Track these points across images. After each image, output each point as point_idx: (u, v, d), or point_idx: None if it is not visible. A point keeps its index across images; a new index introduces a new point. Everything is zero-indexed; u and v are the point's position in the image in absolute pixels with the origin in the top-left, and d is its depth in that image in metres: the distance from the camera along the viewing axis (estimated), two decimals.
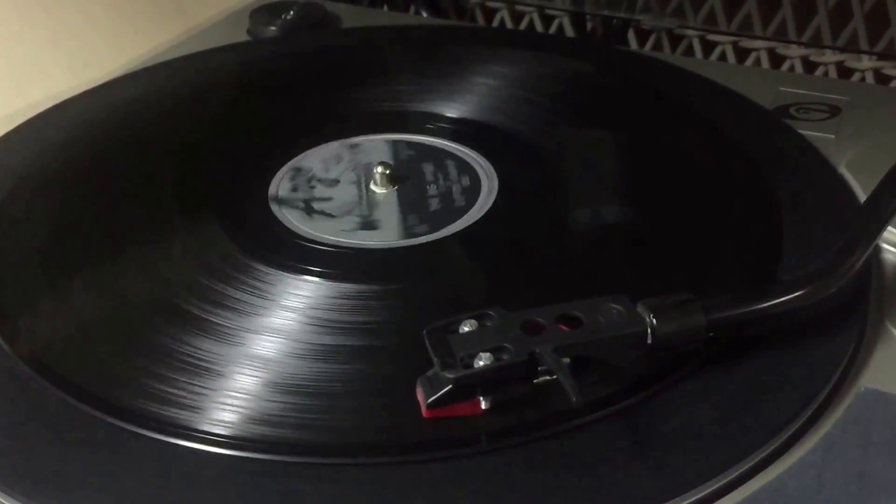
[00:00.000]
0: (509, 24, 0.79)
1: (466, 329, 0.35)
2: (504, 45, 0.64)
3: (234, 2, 0.73)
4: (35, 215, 0.48)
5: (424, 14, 0.80)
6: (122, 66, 0.64)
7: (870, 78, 0.68)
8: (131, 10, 0.68)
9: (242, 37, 0.68)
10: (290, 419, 0.35)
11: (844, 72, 0.69)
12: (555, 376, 0.33)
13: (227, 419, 0.35)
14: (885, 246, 0.44)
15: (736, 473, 0.33)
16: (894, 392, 0.36)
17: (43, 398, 0.37)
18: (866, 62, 0.67)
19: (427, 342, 0.34)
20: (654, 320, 0.35)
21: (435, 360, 0.34)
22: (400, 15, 0.80)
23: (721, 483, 0.33)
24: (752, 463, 0.33)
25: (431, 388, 0.33)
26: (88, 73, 0.62)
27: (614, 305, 0.35)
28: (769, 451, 0.34)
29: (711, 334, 0.36)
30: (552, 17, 0.78)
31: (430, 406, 0.33)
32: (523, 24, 0.79)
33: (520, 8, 0.78)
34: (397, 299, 0.41)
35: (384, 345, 0.39)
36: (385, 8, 0.81)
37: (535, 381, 0.34)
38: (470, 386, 0.33)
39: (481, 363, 0.33)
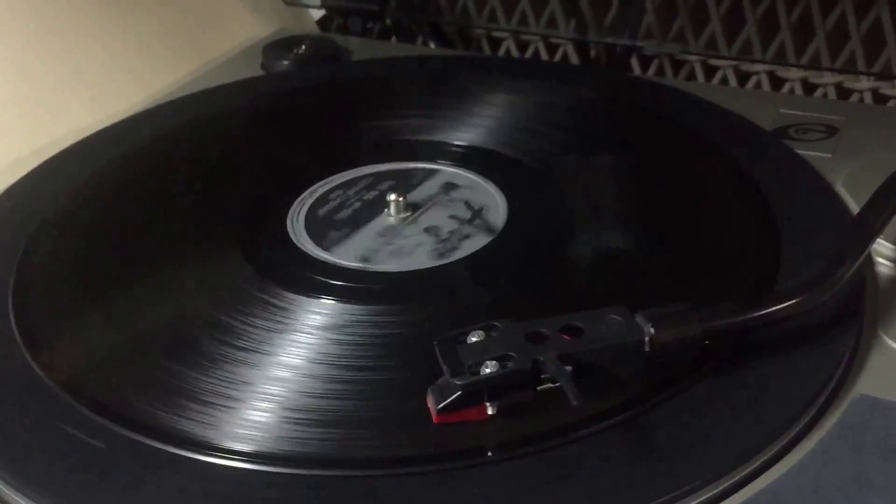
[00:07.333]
0: (515, 53, 0.81)
1: (474, 339, 0.35)
2: (512, 73, 0.65)
3: (248, 38, 0.75)
4: (64, 248, 0.49)
5: (432, 45, 0.82)
6: (142, 100, 0.65)
7: (868, 97, 0.69)
8: (150, 47, 0.69)
9: (256, 71, 0.69)
10: (308, 434, 0.36)
11: (843, 92, 0.70)
12: (557, 384, 0.34)
13: (248, 435, 0.36)
14: (877, 259, 0.45)
15: (734, 478, 0.34)
16: (888, 398, 0.37)
17: (72, 416, 0.38)
18: (864, 82, 0.68)
19: (437, 351, 0.35)
20: (653, 329, 0.35)
21: (445, 368, 0.34)
22: (408, 46, 0.81)
23: (719, 488, 0.33)
24: (750, 468, 0.34)
25: (441, 395, 0.34)
26: (109, 108, 0.63)
27: (614, 316, 0.36)
28: (767, 457, 0.34)
29: (708, 342, 0.36)
30: (557, 46, 0.79)
31: (440, 412, 0.34)
32: (528, 53, 0.80)
33: (525, 37, 0.80)
34: (413, 320, 0.42)
35: (396, 362, 0.39)
36: (393, 39, 0.83)
37: (538, 388, 0.35)
38: (477, 392, 0.34)
39: (488, 370, 0.34)
